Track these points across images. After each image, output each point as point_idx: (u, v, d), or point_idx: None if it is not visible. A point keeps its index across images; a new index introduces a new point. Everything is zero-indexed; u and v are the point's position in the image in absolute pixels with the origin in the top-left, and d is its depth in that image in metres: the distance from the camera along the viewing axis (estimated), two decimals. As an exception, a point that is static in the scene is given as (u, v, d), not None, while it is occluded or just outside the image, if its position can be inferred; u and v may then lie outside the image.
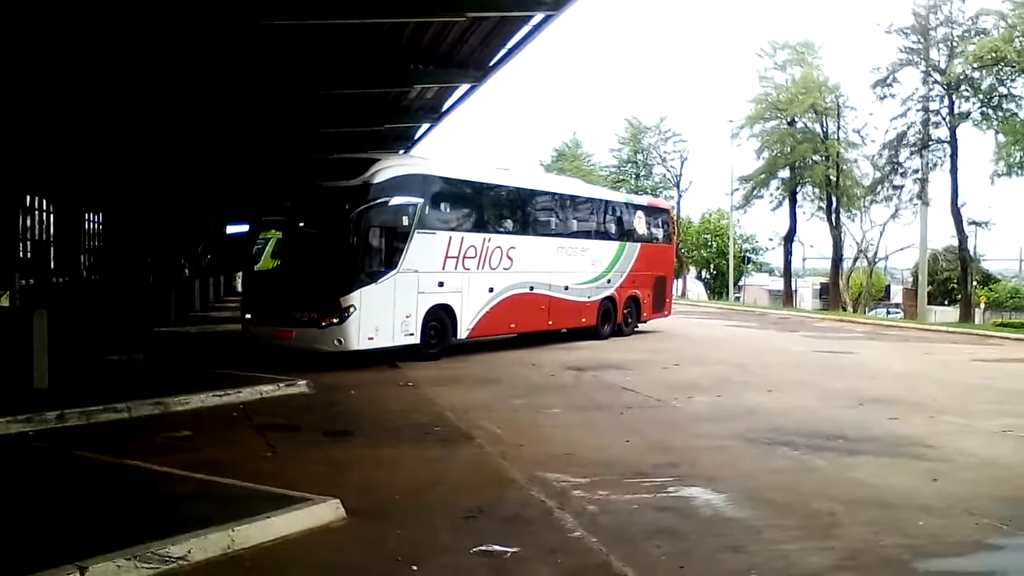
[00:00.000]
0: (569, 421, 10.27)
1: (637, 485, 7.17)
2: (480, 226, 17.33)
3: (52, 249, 22.72)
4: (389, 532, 5.87)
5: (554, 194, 20.35)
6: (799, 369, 15.93)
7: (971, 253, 39.82)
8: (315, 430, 9.47)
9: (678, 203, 54.88)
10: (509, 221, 18.37)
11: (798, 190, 46.29)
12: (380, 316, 14.73)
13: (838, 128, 44.19)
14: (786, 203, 46.75)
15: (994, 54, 31.69)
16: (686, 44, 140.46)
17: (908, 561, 5.45)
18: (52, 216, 22.60)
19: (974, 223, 38.03)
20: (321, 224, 15.04)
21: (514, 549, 5.51)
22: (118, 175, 23.29)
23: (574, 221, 20.39)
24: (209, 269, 34.96)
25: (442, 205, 16.54)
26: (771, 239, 56.02)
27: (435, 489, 7.03)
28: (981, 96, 33.97)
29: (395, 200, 14.87)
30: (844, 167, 43.57)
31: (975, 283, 42.70)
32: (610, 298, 20.97)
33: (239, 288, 40.05)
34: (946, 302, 51.31)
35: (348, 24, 13.13)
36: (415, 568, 5.20)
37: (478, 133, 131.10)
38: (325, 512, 6.04)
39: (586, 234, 20.57)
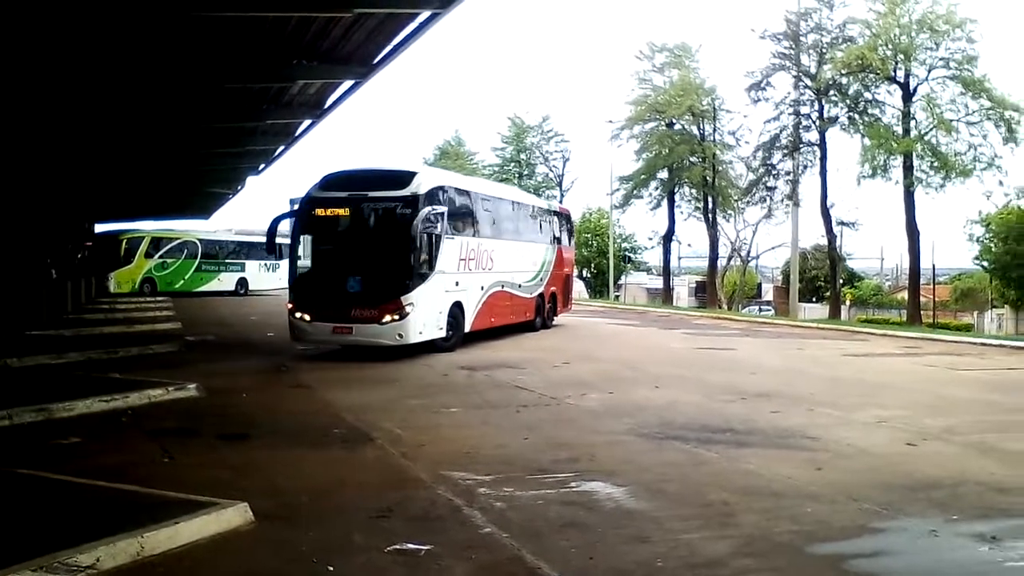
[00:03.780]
0: (467, 420, 10.36)
1: (540, 481, 7.32)
2: (476, 231, 19.42)
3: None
4: (300, 534, 5.86)
5: (516, 202, 23.22)
6: (683, 365, 16.43)
7: (839, 252, 41.65)
8: (210, 434, 9.28)
9: (560, 202, 55.56)
10: (490, 227, 20.37)
11: (676, 190, 47.50)
12: (426, 312, 16.53)
13: (714, 130, 45.67)
14: (665, 203, 47.91)
15: (860, 61, 33.23)
16: (568, 46, 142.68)
17: (801, 546, 5.77)
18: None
19: (842, 223, 39.79)
20: (378, 230, 16.34)
21: (428, 547, 5.58)
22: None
23: (524, 226, 22.94)
24: (80, 270, 33.58)
25: (456, 213, 18.11)
26: (651, 238, 57.36)
27: (342, 490, 7.02)
28: (848, 101, 35.58)
29: (435, 208, 16.45)
30: (720, 168, 45.02)
31: (840, 281, 44.71)
32: (541, 294, 23.39)
33: (112, 289, 38.87)
34: (814, 299, 53.73)
35: (230, 17, 12.92)
36: (331, 569, 5.22)
37: (361, 129, 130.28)
38: (233, 516, 5.96)
39: (532, 237, 23.22)
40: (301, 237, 17.21)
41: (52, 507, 6.17)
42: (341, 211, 16.58)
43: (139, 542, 5.28)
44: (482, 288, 19.36)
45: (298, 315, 16.57)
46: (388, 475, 7.58)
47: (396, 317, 15.79)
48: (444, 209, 16.85)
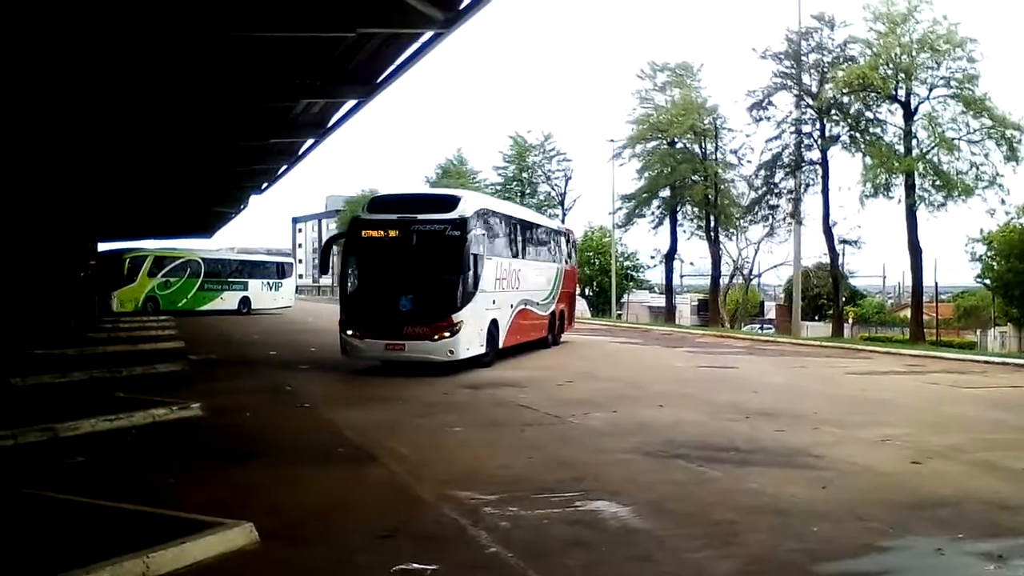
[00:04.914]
0: (471, 439, 10.37)
1: (545, 500, 7.30)
2: (507, 251, 20.33)
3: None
4: (305, 554, 5.87)
5: (538, 225, 24.58)
6: (686, 384, 16.41)
7: (841, 270, 41.53)
8: (214, 453, 9.32)
9: (563, 221, 55.56)
10: (518, 247, 21.45)
11: (678, 209, 47.43)
12: (472, 330, 17.21)
13: (716, 149, 45.57)
14: (667, 222, 47.82)
15: (861, 80, 33.20)
16: (570, 65, 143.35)
17: (807, 565, 5.75)
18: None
19: (844, 241, 39.53)
20: (428, 250, 16.73)
21: (434, 567, 5.57)
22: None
23: (542, 247, 24.04)
24: (83, 289, 33.63)
25: (492, 234, 18.96)
26: (653, 257, 57.21)
27: (346, 510, 7.03)
28: (850, 120, 35.48)
29: (479, 231, 17.37)
30: (722, 187, 44.98)
31: (843, 299, 44.58)
32: (553, 312, 24.13)
33: (115, 308, 38.92)
34: (816, 317, 53.54)
35: (236, 37, 13.00)
36: (337, 589, 5.22)
37: (364, 148, 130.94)
38: (238, 536, 5.96)
39: (547, 257, 24.39)
40: (350, 258, 17.61)
41: (58, 527, 6.17)
42: (391, 233, 17.01)
43: (144, 562, 5.28)
44: (511, 306, 20.13)
45: (350, 332, 17.11)
46: (393, 494, 7.58)
47: (448, 334, 16.46)
48: (486, 231, 17.89)
